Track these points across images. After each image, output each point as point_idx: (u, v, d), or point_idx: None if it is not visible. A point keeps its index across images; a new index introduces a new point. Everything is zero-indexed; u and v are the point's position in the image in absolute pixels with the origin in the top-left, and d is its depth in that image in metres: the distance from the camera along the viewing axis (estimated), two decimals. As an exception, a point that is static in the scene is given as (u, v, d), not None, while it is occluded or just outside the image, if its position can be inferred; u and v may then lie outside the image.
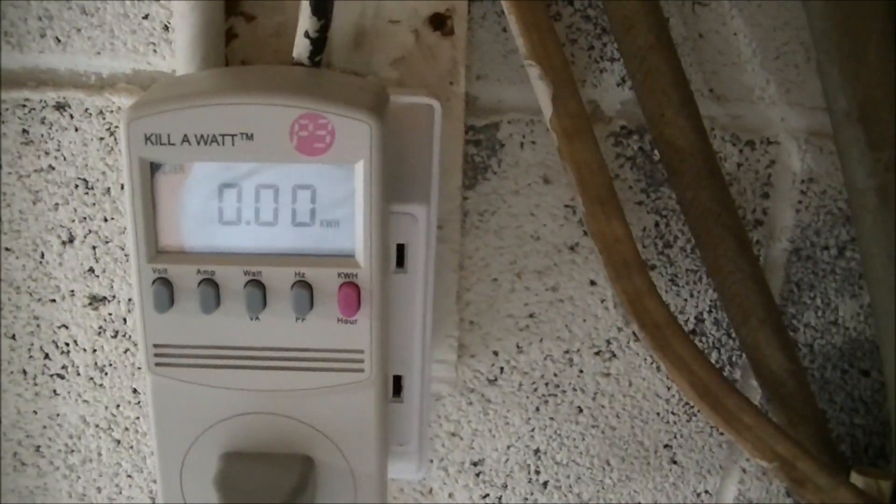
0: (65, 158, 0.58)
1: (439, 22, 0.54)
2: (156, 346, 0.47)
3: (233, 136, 0.43)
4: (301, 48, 0.50)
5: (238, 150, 0.43)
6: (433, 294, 0.52)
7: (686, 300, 0.61)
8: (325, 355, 0.47)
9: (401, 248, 0.50)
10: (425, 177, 0.50)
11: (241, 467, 0.49)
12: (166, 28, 0.55)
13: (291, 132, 0.43)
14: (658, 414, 0.64)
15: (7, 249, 0.60)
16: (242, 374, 0.48)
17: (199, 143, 0.43)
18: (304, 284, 0.46)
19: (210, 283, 0.46)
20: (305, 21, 0.49)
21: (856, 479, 0.56)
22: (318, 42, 0.49)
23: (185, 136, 0.43)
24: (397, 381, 0.53)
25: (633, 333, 0.61)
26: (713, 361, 0.61)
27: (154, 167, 0.44)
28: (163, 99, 0.43)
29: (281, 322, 0.47)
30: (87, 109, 0.56)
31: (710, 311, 0.61)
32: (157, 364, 0.47)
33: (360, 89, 0.47)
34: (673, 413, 0.64)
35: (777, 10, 0.54)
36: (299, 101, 0.43)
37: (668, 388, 0.63)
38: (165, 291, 0.46)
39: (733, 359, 0.62)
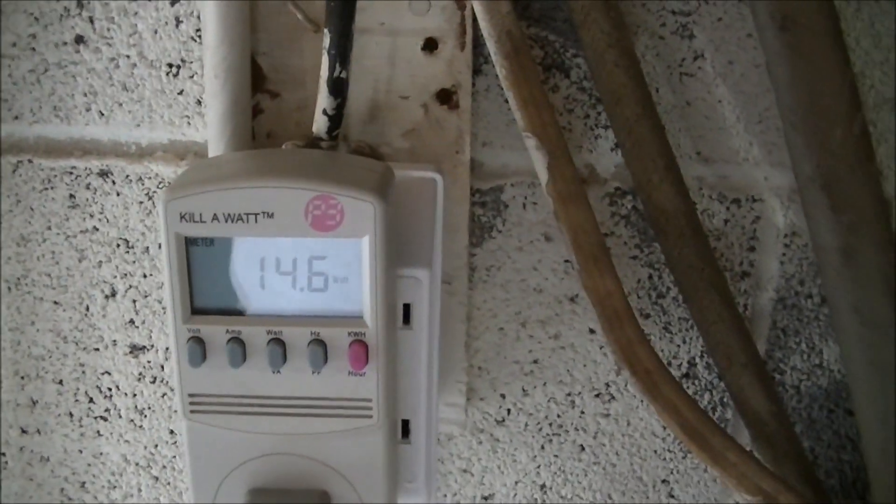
0: (108, 220, 0.61)
1: (446, 97, 0.57)
2: (190, 395, 0.51)
3: (256, 214, 0.47)
4: (320, 124, 0.54)
5: (261, 226, 0.47)
6: (439, 346, 0.55)
7: (679, 346, 0.63)
8: (337, 403, 0.51)
9: (407, 307, 0.54)
10: (429, 244, 0.54)
11: (266, 501, 0.53)
12: (199, 102, 0.58)
13: (306, 211, 0.47)
14: (655, 451, 0.66)
15: (55, 303, 0.64)
16: (266, 420, 0.52)
17: (227, 220, 0.47)
18: (319, 342, 0.50)
19: (237, 342, 0.50)
20: (323, 100, 0.53)
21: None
22: (335, 119, 0.53)
23: (215, 214, 0.47)
24: (406, 424, 0.57)
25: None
26: (706, 402, 0.64)
27: (188, 241, 0.49)
28: (195, 182, 0.48)
29: (299, 375, 0.51)
30: (127, 176, 0.60)
31: (701, 356, 0.63)
32: (192, 411, 0.52)
33: (367, 171, 0.51)
34: (669, 451, 0.66)
35: (759, 79, 0.57)
36: (313, 184, 0.47)
37: (664, 428, 0.65)
38: (199, 348, 0.50)
39: (724, 399, 0.64)
